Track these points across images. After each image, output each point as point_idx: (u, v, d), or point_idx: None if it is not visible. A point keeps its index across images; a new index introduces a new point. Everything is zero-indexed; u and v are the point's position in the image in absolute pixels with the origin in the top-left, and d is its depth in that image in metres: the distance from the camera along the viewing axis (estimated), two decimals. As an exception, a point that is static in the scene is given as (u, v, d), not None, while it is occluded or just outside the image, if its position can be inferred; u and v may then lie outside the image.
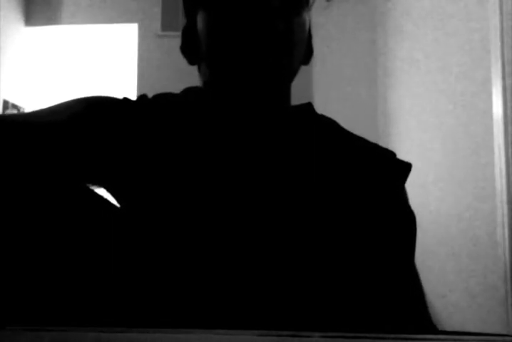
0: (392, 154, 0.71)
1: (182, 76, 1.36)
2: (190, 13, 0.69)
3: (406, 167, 0.70)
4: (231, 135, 0.66)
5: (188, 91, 0.72)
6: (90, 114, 0.65)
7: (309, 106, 0.73)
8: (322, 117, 0.73)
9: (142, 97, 0.69)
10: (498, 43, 1.99)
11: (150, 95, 0.71)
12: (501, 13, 1.99)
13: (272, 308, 0.57)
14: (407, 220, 0.68)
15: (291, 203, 0.62)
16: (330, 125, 0.72)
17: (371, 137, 0.72)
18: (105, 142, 0.64)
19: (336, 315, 0.59)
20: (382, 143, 0.72)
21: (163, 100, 0.70)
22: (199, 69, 0.71)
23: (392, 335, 0.36)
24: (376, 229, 0.64)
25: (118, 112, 0.66)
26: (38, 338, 0.36)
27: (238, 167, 0.64)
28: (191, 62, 0.71)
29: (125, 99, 0.69)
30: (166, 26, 4.19)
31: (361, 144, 0.70)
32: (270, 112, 0.67)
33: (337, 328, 0.36)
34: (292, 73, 0.67)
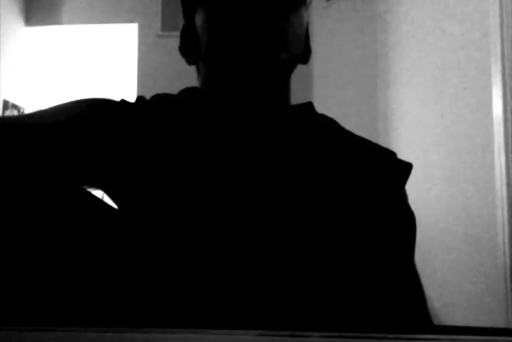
0: (392, 154, 0.71)
1: (182, 76, 1.36)
2: (188, 13, 0.69)
3: (406, 167, 0.69)
4: (230, 134, 0.66)
5: (185, 92, 0.72)
6: (89, 115, 0.65)
7: (309, 105, 0.73)
8: (322, 116, 0.73)
9: (140, 99, 0.70)
10: (498, 43, 1.99)
11: (150, 94, 0.71)
12: (501, 13, 1.99)
13: (271, 307, 0.57)
14: (407, 221, 0.67)
15: (290, 203, 0.62)
16: (330, 125, 0.72)
17: (371, 137, 0.72)
18: (105, 143, 0.64)
19: (335, 314, 0.59)
20: (382, 143, 0.72)
21: (161, 101, 0.70)
22: (197, 69, 0.71)
23: (392, 335, 0.36)
24: (375, 229, 0.64)
25: (118, 114, 0.66)
26: (36, 338, 0.36)
27: (237, 167, 0.64)
28: (190, 62, 0.71)
29: (123, 101, 0.69)
30: (166, 26, 4.19)
31: (361, 144, 0.70)
32: (269, 111, 0.67)
33: (337, 328, 0.36)
34: (289, 70, 0.67)
